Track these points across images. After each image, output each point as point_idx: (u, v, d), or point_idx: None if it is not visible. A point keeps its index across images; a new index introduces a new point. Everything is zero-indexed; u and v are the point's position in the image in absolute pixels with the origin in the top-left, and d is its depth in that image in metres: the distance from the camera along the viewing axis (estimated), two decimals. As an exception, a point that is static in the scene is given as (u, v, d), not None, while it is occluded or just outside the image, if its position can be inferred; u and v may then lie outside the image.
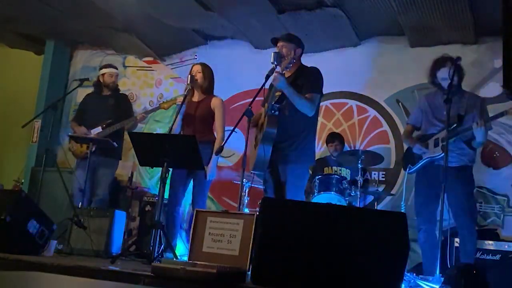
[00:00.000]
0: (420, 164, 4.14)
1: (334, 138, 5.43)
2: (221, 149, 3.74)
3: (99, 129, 5.08)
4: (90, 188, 5.01)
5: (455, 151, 3.99)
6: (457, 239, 4.16)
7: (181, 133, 4.42)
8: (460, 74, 4.06)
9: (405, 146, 4.55)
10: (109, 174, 5.14)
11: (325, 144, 5.59)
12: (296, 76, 3.87)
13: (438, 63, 4.11)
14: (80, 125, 5.20)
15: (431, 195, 3.97)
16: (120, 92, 5.53)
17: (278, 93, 3.78)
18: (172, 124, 4.23)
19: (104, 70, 5.36)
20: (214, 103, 4.45)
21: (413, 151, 4.20)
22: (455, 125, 3.89)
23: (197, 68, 4.52)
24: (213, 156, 4.18)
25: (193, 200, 4.32)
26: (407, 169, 4.28)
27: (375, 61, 5.70)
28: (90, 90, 5.55)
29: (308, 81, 3.81)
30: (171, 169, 3.98)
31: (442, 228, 3.64)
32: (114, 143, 4.86)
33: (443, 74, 4.02)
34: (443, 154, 3.82)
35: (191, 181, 4.37)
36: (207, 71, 4.52)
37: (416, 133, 4.38)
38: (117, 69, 5.48)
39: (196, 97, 4.51)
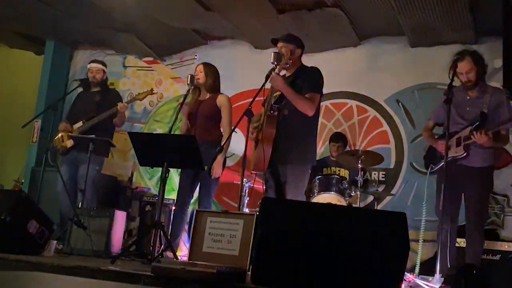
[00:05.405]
0: (442, 164, 3.87)
1: (338, 138, 5.38)
2: (221, 149, 3.74)
3: (80, 124, 4.96)
4: (74, 186, 4.88)
5: (479, 151, 3.87)
6: (459, 239, 4.14)
7: (186, 133, 4.41)
8: (481, 67, 3.91)
9: (427, 144, 4.33)
10: (92, 170, 4.83)
11: (325, 144, 5.59)
12: (295, 76, 3.87)
13: (458, 57, 3.92)
14: (67, 122, 5.08)
15: (452, 195, 3.82)
16: (110, 88, 5.37)
17: (277, 93, 3.78)
18: (172, 124, 4.22)
19: (88, 66, 5.25)
20: (220, 100, 4.44)
21: (439, 150, 4.02)
22: (477, 123, 3.79)
23: (199, 68, 4.56)
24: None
25: (199, 201, 4.34)
26: (429, 169, 4.14)
27: (375, 61, 5.70)
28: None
29: (308, 80, 3.80)
30: (174, 170, 3.96)
31: (442, 228, 3.64)
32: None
33: (462, 68, 3.88)
34: (465, 153, 3.82)
35: (199, 184, 4.36)
36: (210, 70, 4.53)
37: (439, 129, 4.24)
38: (104, 65, 5.26)
39: (201, 96, 4.53)
